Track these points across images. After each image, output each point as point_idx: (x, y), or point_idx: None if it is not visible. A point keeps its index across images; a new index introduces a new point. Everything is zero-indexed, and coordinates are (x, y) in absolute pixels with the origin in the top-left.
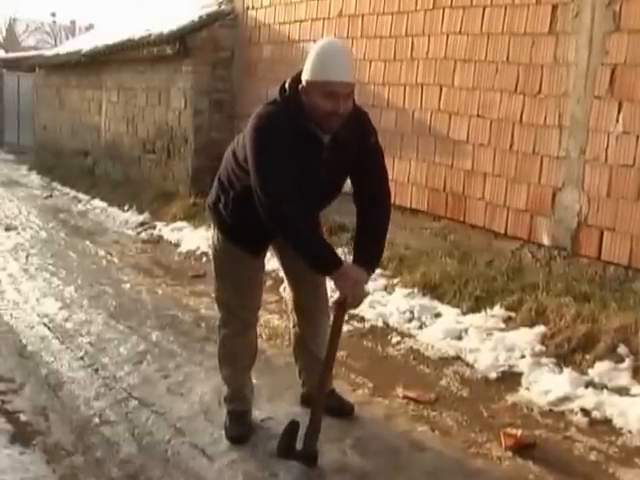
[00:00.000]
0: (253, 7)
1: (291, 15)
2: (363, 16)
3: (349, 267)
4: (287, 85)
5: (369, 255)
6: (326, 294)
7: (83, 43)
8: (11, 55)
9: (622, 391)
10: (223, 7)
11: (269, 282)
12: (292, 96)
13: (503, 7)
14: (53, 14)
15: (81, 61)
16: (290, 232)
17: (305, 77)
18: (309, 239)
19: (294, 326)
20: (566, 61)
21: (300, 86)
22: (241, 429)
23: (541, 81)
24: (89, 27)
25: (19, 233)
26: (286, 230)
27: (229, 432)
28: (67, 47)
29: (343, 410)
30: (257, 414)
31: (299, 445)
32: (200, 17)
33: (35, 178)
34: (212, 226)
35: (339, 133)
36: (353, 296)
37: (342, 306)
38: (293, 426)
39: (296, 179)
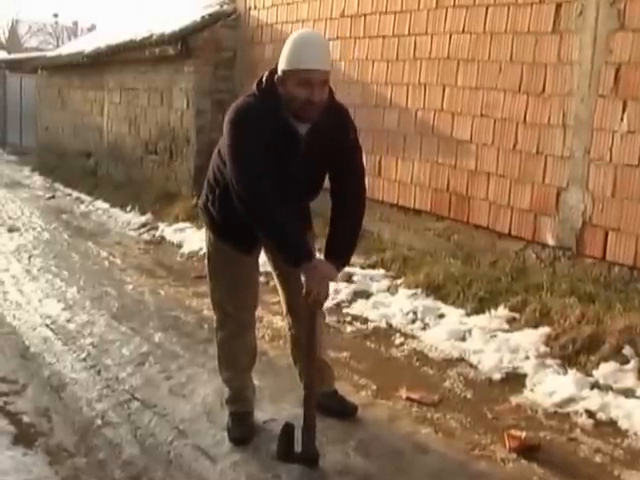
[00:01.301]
0: (255, 7)
1: (293, 15)
2: (365, 16)
3: (319, 262)
4: (264, 78)
5: (341, 251)
6: None
7: (85, 44)
8: (14, 56)
9: (627, 392)
10: (225, 7)
11: (271, 283)
12: (268, 88)
13: (506, 6)
14: (55, 15)
15: (83, 62)
16: (265, 221)
17: (281, 67)
18: (282, 228)
19: (290, 329)
20: (570, 60)
21: (276, 77)
22: (243, 430)
23: (545, 80)
24: (91, 28)
25: (22, 234)
26: (261, 219)
27: (231, 434)
28: (69, 48)
29: (346, 411)
30: (260, 416)
31: (298, 447)
32: (202, 17)
33: (37, 179)
34: (205, 227)
35: (317, 125)
36: (318, 291)
37: (307, 300)
38: (288, 428)
39: (274, 171)
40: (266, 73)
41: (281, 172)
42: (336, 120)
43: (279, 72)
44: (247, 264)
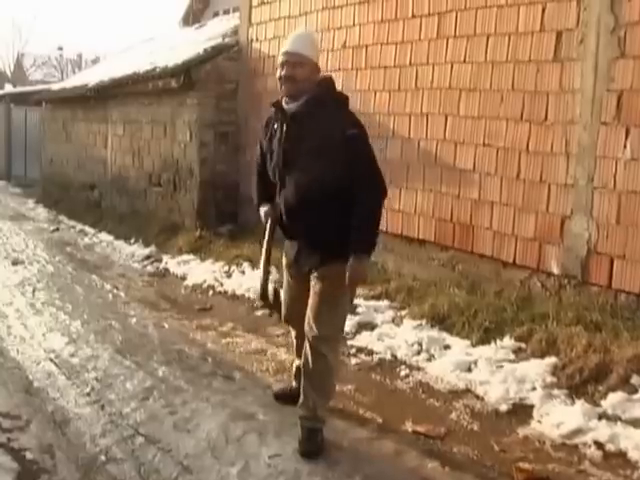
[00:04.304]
0: (257, 39)
1: None
2: (367, 47)
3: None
4: None
5: (355, 243)
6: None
7: (89, 77)
8: (19, 89)
9: (636, 423)
10: (227, 40)
11: (275, 315)
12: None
13: (507, 35)
14: (60, 48)
15: (87, 95)
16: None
17: None
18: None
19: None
20: (572, 88)
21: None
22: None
23: (547, 108)
24: (95, 60)
25: (26, 267)
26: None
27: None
28: (73, 81)
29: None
30: (264, 451)
31: None
32: (205, 50)
33: (42, 211)
34: None
35: (302, 106)
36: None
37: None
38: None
39: (270, 150)
40: None
41: (275, 147)
42: (326, 112)
43: None
44: (290, 279)
